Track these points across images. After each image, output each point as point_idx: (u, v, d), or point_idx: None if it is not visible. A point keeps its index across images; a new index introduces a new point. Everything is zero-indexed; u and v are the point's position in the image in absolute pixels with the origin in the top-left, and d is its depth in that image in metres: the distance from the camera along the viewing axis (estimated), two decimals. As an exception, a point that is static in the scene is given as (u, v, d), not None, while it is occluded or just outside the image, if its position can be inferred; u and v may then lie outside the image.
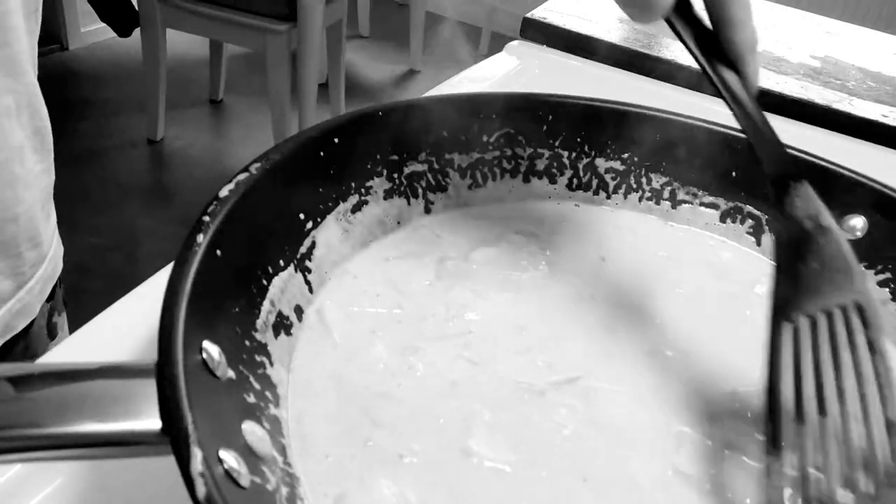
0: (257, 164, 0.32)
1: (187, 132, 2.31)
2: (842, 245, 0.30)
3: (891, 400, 0.28)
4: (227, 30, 1.96)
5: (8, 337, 0.48)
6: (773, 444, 0.27)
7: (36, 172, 0.47)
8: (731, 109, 0.33)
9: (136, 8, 2.03)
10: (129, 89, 2.43)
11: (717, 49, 0.33)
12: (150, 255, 1.81)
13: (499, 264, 0.38)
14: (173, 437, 0.21)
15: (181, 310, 0.24)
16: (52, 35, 2.58)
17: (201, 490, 0.19)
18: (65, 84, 2.41)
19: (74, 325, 0.41)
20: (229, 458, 0.22)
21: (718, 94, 0.34)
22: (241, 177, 0.31)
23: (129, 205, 1.99)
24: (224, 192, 0.30)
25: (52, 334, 0.55)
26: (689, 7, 0.33)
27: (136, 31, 2.08)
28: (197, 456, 0.20)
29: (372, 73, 2.88)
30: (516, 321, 0.35)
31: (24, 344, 0.51)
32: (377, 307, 0.35)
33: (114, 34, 2.20)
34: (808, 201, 0.31)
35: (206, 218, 0.28)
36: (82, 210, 1.89)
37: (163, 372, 0.22)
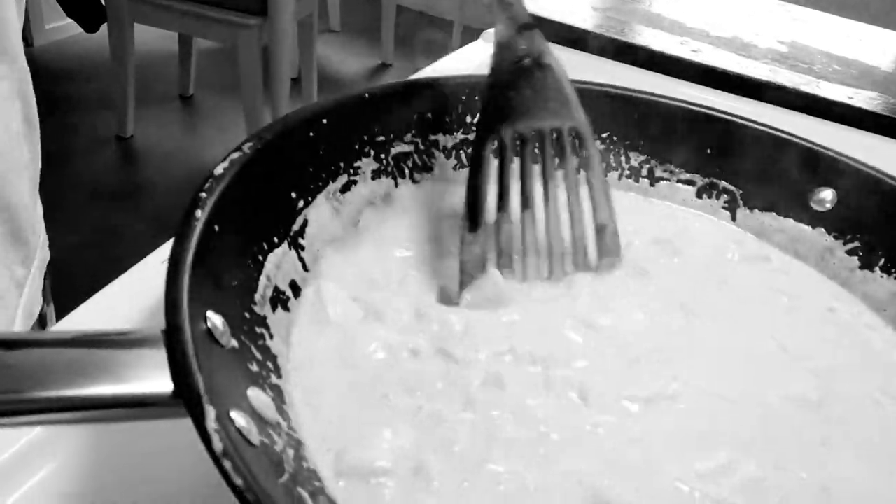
0: (249, 144, 0.33)
1: (157, 128, 2.29)
2: (561, 80, 0.36)
3: (600, 206, 0.36)
4: (196, 24, 1.94)
5: (31, 321, 0.49)
6: (471, 224, 0.35)
7: (26, 161, 0.47)
8: None
9: (103, 3, 2.00)
10: (96, 86, 2.40)
11: None
12: (124, 253, 1.78)
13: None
14: (186, 397, 0.21)
15: (184, 280, 0.25)
16: (15, 31, 2.52)
17: (218, 445, 0.20)
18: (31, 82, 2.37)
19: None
20: (239, 419, 0.23)
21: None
22: (235, 155, 0.32)
23: (101, 203, 1.97)
24: (219, 170, 0.31)
25: (43, 324, 0.55)
26: None
27: (103, 27, 2.05)
28: (210, 413, 0.21)
29: (344, 67, 2.88)
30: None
31: None
32: (370, 287, 0.35)
33: (79, 30, 2.17)
34: (535, 43, 0.36)
35: (203, 194, 0.29)
36: (51, 208, 1.86)
37: (172, 337, 0.23)
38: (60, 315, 0.58)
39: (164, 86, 2.45)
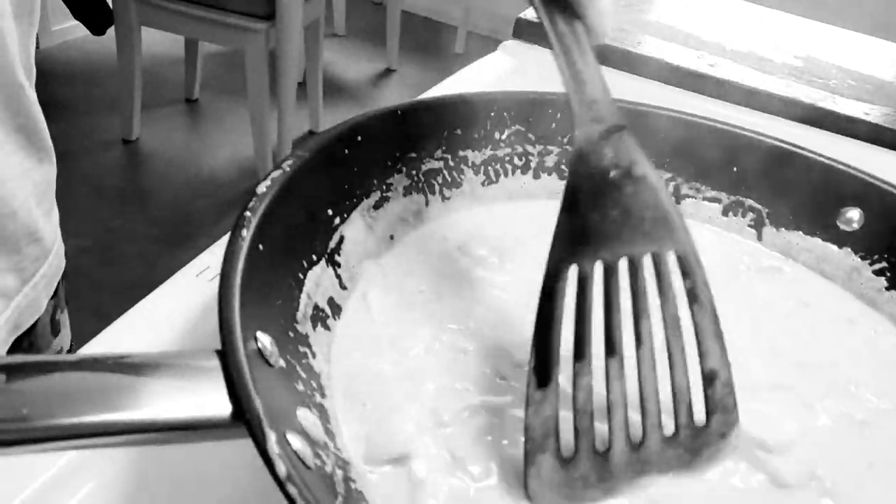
0: (289, 162, 0.33)
1: (163, 132, 2.29)
2: (658, 194, 0.29)
3: (710, 351, 0.28)
4: (204, 28, 1.95)
5: (18, 334, 0.48)
6: (539, 378, 0.27)
7: (25, 168, 0.47)
8: (556, 58, 0.30)
9: (111, 5, 2.00)
10: (102, 88, 2.40)
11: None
12: (128, 257, 1.79)
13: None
14: (247, 421, 0.21)
15: (236, 300, 0.25)
16: (21, 33, 2.52)
17: (282, 469, 0.20)
18: (37, 84, 2.37)
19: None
20: (295, 441, 0.23)
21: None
22: (276, 174, 0.32)
23: (105, 206, 1.97)
24: (261, 189, 0.31)
25: (56, 331, 0.55)
26: None
27: (110, 30, 2.05)
28: (272, 437, 0.21)
29: (349, 72, 2.88)
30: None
31: (29, 341, 0.51)
32: (409, 299, 0.36)
33: (86, 32, 2.17)
34: (622, 150, 0.29)
35: (248, 214, 0.29)
36: (61, 211, 1.86)
37: (228, 359, 0.23)
38: (72, 318, 0.59)
39: (170, 89, 2.46)
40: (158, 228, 1.91)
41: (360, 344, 0.33)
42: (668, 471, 0.28)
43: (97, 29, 2.06)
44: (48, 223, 0.51)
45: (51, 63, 2.51)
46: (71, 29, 2.56)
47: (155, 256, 1.77)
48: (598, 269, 0.27)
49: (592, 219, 0.28)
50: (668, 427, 0.28)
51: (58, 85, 2.41)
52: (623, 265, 0.28)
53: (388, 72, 2.92)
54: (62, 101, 2.33)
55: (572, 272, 0.27)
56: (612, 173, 0.28)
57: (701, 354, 0.28)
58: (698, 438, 0.29)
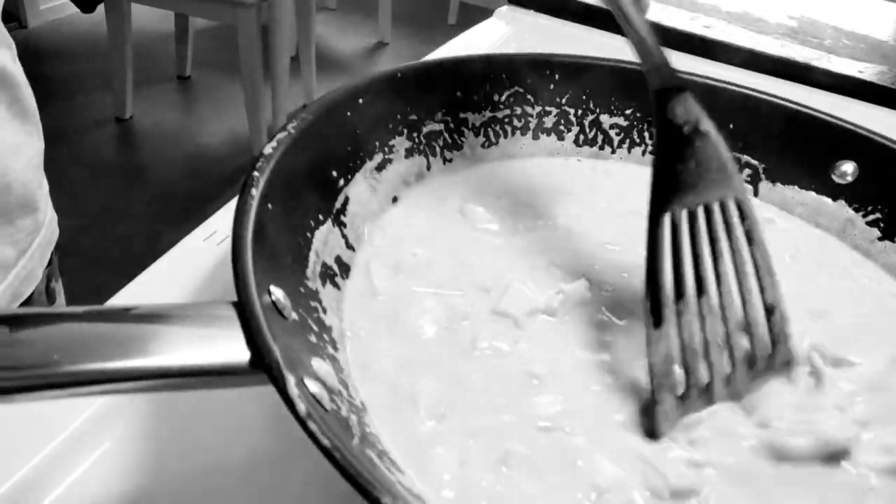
0: (293, 124, 0.34)
1: (156, 109, 2.27)
2: (719, 147, 0.33)
3: (768, 286, 0.32)
4: (195, 4, 1.93)
5: (18, 303, 0.49)
6: (655, 319, 0.31)
7: (17, 142, 0.48)
8: (624, 27, 0.35)
9: (100, -18, 1.98)
10: (93, 67, 2.38)
11: None
12: (127, 235, 1.79)
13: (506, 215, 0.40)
14: (266, 366, 0.22)
15: (248, 254, 0.26)
16: (9, 13, 2.50)
17: (301, 408, 0.21)
18: (26, 63, 2.34)
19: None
20: (312, 385, 0.24)
21: (612, 15, 0.35)
22: (281, 136, 0.33)
23: (100, 184, 1.96)
24: (268, 150, 0.32)
25: (52, 299, 0.56)
26: None
27: (99, 7, 2.03)
28: (291, 380, 0.22)
29: (341, 46, 2.86)
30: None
31: None
32: (411, 260, 0.36)
33: (75, 10, 2.15)
34: (689, 110, 0.33)
35: (256, 174, 0.30)
36: (53, 191, 1.86)
37: (245, 309, 0.24)
38: (67, 291, 0.59)
39: (161, 66, 2.44)
40: (156, 206, 1.91)
41: (366, 306, 0.33)
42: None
43: (86, 6, 2.04)
44: (40, 195, 0.52)
45: (40, 42, 2.48)
46: (60, 7, 2.54)
47: (154, 233, 1.77)
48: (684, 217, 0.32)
49: (677, 170, 0.32)
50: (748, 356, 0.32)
51: (48, 64, 2.39)
52: (701, 212, 0.32)
53: (380, 45, 2.90)
54: (53, 79, 2.31)
55: (666, 220, 0.32)
56: (685, 129, 0.33)
57: (761, 289, 0.32)
58: (770, 367, 0.32)
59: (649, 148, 0.47)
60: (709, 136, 0.33)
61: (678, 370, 0.30)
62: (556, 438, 0.28)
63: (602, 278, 0.36)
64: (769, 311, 0.32)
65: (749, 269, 0.32)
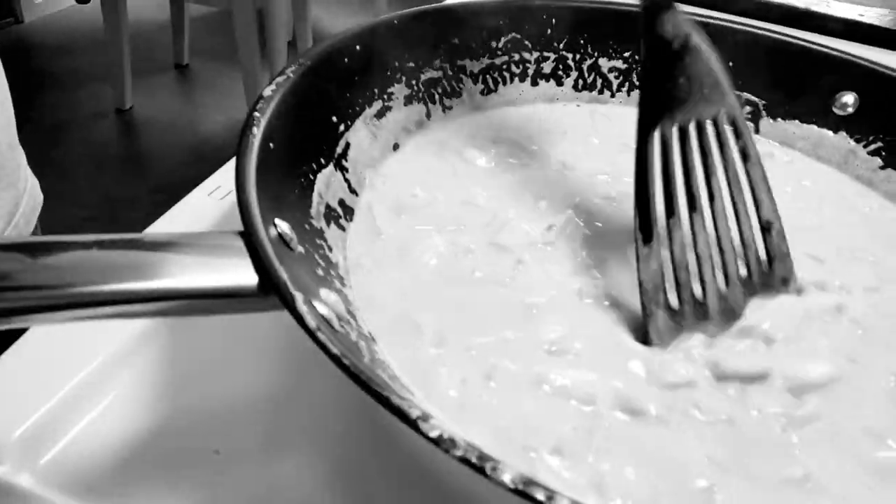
0: (291, 68, 0.34)
1: (155, 99, 2.27)
2: (711, 62, 0.33)
3: (764, 203, 0.32)
4: (189, -11, 1.92)
5: None
6: (644, 235, 0.30)
7: None
8: None
9: (93, -28, 1.97)
10: (90, 59, 2.38)
11: None
12: (128, 224, 1.80)
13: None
14: (274, 286, 0.23)
15: (252, 186, 0.26)
16: (4, 9, 2.50)
17: (311, 322, 0.21)
18: (23, 58, 2.35)
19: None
20: (320, 307, 0.24)
21: None
22: (280, 79, 0.33)
23: (103, 175, 1.97)
24: (267, 92, 0.32)
25: None
26: None
27: (95, -2, 2.03)
28: (299, 297, 0.22)
29: (338, 28, 2.83)
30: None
31: None
32: (412, 202, 0.37)
33: (70, 3, 2.14)
34: (678, 25, 0.32)
35: (257, 114, 0.30)
36: (55, 183, 1.86)
37: (252, 236, 0.24)
38: None
39: (159, 56, 2.43)
40: (160, 194, 1.91)
41: (370, 245, 0.34)
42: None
43: (81, -3, 2.04)
44: (17, 166, 0.52)
45: (36, 36, 2.48)
46: (53, 1, 2.53)
47: (155, 221, 1.78)
48: (675, 134, 0.31)
49: (666, 86, 0.32)
50: (742, 272, 0.32)
51: (46, 58, 2.39)
52: (692, 129, 0.32)
53: (377, 26, 2.88)
54: (52, 73, 2.31)
55: (656, 137, 0.31)
56: (675, 44, 0.32)
57: (757, 206, 0.32)
58: (767, 284, 0.32)
59: (649, 90, 0.47)
60: (700, 50, 0.32)
61: (670, 287, 0.30)
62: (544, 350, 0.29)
63: (592, 208, 0.37)
64: (765, 227, 0.32)
65: (744, 185, 0.32)
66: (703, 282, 0.31)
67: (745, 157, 0.32)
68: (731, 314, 0.31)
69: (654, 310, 0.30)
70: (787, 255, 0.32)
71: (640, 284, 0.30)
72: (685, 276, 0.30)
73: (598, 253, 0.34)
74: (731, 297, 0.31)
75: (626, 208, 0.34)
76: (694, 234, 0.31)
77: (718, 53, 0.45)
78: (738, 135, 0.32)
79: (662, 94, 0.32)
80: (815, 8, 0.66)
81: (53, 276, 0.21)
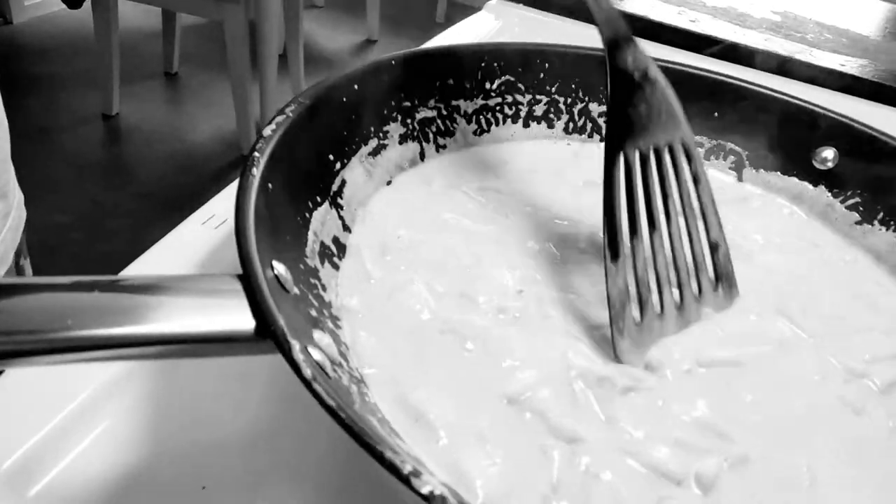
0: (291, 108, 0.34)
1: (143, 106, 2.27)
2: (667, 92, 0.36)
3: (713, 225, 0.36)
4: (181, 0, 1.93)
5: None
6: (612, 252, 0.33)
7: None
8: None
9: (86, -22, 1.97)
10: (79, 64, 2.37)
11: None
12: (113, 231, 1.79)
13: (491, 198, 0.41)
14: (272, 332, 0.23)
15: (251, 229, 0.27)
16: (-6, 9, 2.48)
17: (307, 371, 0.22)
18: (11, 60, 2.33)
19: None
20: (315, 353, 0.25)
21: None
22: (279, 118, 0.33)
23: (88, 182, 1.96)
24: (267, 132, 0.32)
25: (21, 276, 0.57)
26: None
27: (86, 3, 2.02)
28: (295, 345, 0.23)
29: (329, 44, 2.86)
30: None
31: None
32: (396, 243, 0.37)
33: (60, 6, 2.14)
34: (638, 58, 0.36)
35: (257, 154, 0.31)
36: (40, 188, 1.85)
37: (250, 279, 0.25)
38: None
39: (148, 63, 2.43)
40: (144, 203, 1.90)
41: (360, 287, 0.34)
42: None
43: (73, 2, 2.03)
44: (8, 180, 0.52)
45: (25, 38, 2.47)
46: (45, 3, 2.52)
47: (143, 230, 1.77)
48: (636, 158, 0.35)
49: (628, 114, 0.35)
50: (695, 290, 0.35)
51: (34, 61, 2.37)
52: (651, 154, 0.35)
53: (368, 42, 2.90)
54: (39, 77, 2.29)
55: (620, 161, 0.34)
56: (635, 75, 0.35)
57: (706, 227, 0.36)
58: (715, 301, 0.36)
59: (637, 136, 0.48)
60: (657, 82, 0.35)
61: (633, 301, 0.33)
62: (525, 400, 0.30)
63: (566, 250, 0.38)
64: (713, 247, 0.36)
65: (696, 207, 0.35)
66: (661, 297, 0.34)
67: (696, 180, 0.36)
68: (685, 325, 0.34)
69: (621, 323, 0.32)
70: (732, 277, 0.36)
71: (608, 299, 0.32)
72: (647, 292, 0.33)
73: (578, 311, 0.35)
74: (686, 311, 0.34)
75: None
76: (654, 252, 0.34)
77: (705, 103, 0.47)
78: (689, 160, 0.35)
79: (625, 120, 0.35)
80: (797, 56, 0.68)
81: (33, 319, 0.21)
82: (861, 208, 0.42)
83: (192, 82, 2.42)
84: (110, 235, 1.78)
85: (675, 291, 0.34)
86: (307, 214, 0.34)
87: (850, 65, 0.68)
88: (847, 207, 0.43)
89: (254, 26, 1.94)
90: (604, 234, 0.33)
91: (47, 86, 2.26)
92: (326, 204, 0.36)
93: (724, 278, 0.36)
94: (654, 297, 0.33)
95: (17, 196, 0.55)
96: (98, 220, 1.82)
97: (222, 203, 0.43)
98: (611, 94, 0.36)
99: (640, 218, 0.34)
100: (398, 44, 2.91)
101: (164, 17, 2.30)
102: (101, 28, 2.01)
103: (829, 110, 0.44)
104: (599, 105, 0.47)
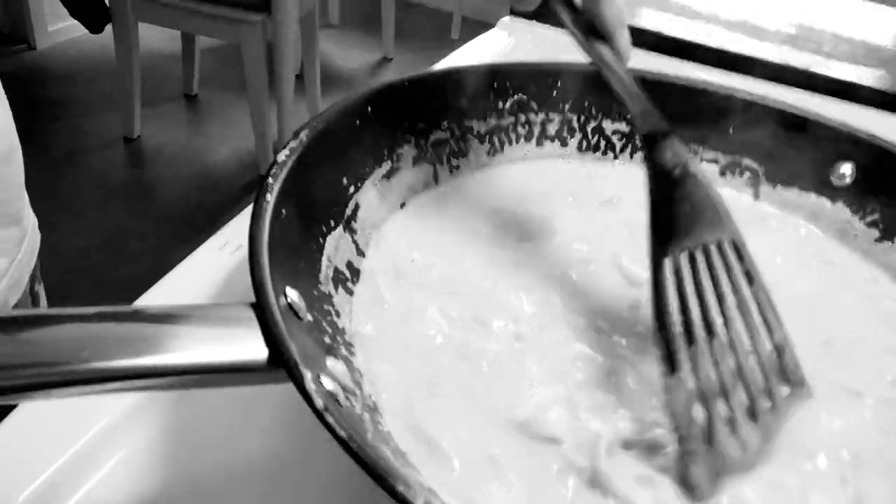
0: (305, 132, 0.35)
1: (164, 128, 2.30)
2: (709, 190, 0.33)
3: (774, 325, 0.31)
4: (200, 22, 1.96)
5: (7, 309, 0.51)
6: (670, 365, 0.29)
7: (5, 153, 0.49)
8: (606, 78, 0.36)
9: (107, 3, 2.01)
10: (101, 87, 2.41)
11: (591, 27, 0.36)
12: (134, 254, 1.81)
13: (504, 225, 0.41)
14: (284, 362, 0.23)
15: (265, 257, 0.27)
16: (18, 35, 2.54)
17: (319, 402, 0.22)
18: (35, 84, 2.38)
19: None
20: (327, 382, 0.25)
21: (596, 66, 0.36)
22: (293, 143, 0.34)
23: (110, 204, 1.99)
24: (281, 157, 0.33)
25: (36, 302, 0.57)
26: None
27: (107, 27, 2.06)
28: (308, 375, 0.23)
29: (346, 62, 2.88)
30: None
31: None
32: (410, 267, 0.37)
33: (83, 31, 2.18)
34: (677, 153, 0.34)
35: (270, 180, 0.31)
36: (63, 211, 1.88)
37: (264, 310, 0.25)
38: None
39: (169, 85, 2.47)
40: (165, 224, 1.93)
41: (374, 312, 0.34)
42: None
43: (94, 27, 2.07)
44: (23, 204, 0.53)
45: (48, 63, 2.52)
46: (68, 28, 2.57)
47: (164, 252, 1.79)
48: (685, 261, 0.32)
49: (672, 214, 0.33)
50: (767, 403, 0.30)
51: (56, 85, 2.42)
52: (699, 255, 0.32)
53: (384, 60, 2.92)
54: (61, 100, 2.34)
55: (667, 265, 0.32)
56: (676, 171, 0.34)
57: (769, 330, 0.31)
58: (790, 407, 0.30)
59: (651, 153, 0.48)
60: (697, 177, 0.34)
61: (700, 415, 0.28)
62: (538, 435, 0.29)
63: (585, 289, 0.37)
64: (778, 350, 0.31)
65: (753, 308, 0.31)
66: (730, 408, 0.29)
67: (749, 279, 0.32)
68: (766, 438, 0.29)
69: (693, 446, 0.28)
70: (803, 379, 0.31)
71: (672, 416, 0.29)
72: (714, 407, 0.29)
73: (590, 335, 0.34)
74: (763, 426, 0.29)
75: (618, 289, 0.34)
76: (715, 360, 0.30)
77: (719, 119, 0.47)
78: (741, 258, 0.32)
79: (669, 220, 0.33)
80: (814, 68, 0.67)
81: (43, 352, 0.21)
82: (881, 224, 0.42)
83: (211, 103, 2.46)
84: (133, 257, 1.80)
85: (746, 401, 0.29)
86: (321, 239, 0.34)
87: (867, 76, 0.67)
88: (867, 224, 0.42)
89: (271, 48, 1.96)
90: (657, 345, 0.30)
91: (71, 109, 2.30)
92: (340, 228, 0.36)
93: (794, 384, 0.31)
94: (723, 408, 0.29)
95: (31, 221, 0.55)
96: (121, 243, 1.84)
97: (238, 227, 0.43)
98: (652, 192, 0.34)
99: (695, 324, 0.30)
100: (414, 60, 2.93)
101: (184, 40, 2.33)
102: (122, 52, 2.04)
103: (845, 124, 0.44)
104: (613, 122, 0.47)
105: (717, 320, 0.30)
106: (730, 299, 0.31)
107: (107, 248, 1.81)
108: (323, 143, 0.35)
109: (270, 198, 0.30)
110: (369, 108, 0.39)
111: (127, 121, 2.18)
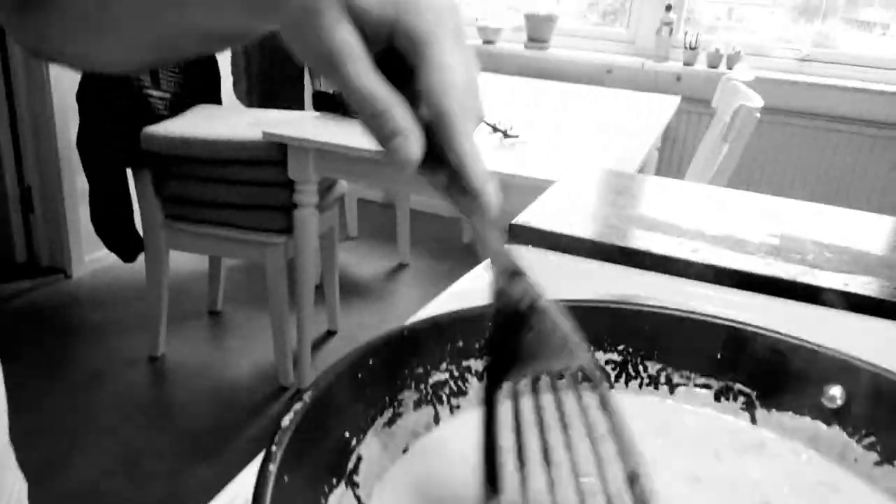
0: (308, 392, 0.37)
1: (187, 346, 2.37)
2: (556, 321, 0.36)
3: (627, 452, 0.32)
4: (228, 246, 2.09)
5: None
6: (491, 487, 0.31)
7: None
8: (473, 230, 0.39)
9: (141, 234, 2.16)
10: (130, 309, 2.52)
11: (462, 186, 0.38)
12: (155, 475, 1.78)
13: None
14: None
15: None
16: (56, 266, 2.70)
17: None
18: (68, 311, 2.49)
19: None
20: None
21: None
22: (297, 406, 0.36)
23: (131, 425, 2.00)
24: (285, 422, 0.35)
25: None
26: (436, 157, 0.38)
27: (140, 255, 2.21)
28: None
29: (364, 271, 3.01)
30: None
31: None
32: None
33: (115, 258, 2.33)
34: (527, 289, 0.37)
35: (274, 448, 0.33)
36: (88, 433, 1.89)
37: None
38: None
39: (193, 303, 2.58)
40: (184, 442, 1.92)
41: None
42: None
43: (128, 257, 2.22)
44: (7, 466, 0.54)
45: (81, 290, 2.65)
46: (101, 258, 2.74)
47: (182, 472, 1.77)
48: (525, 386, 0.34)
49: (513, 342, 0.36)
50: None
51: (88, 310, 2.53)
52: (544, 382, 0.34)
53: (401, 266, 3.05)
54: (91, 324, 2.44)
55: (505, 390, 0.34)
56: (522, 306, 0.36)
57: (621, 456, 0.32)
58: None
59: (645, 380, 0.49)
60: (546, 311, 0.36)
61: None
62: None
63: None
64: (631, 479, 0.32)
65: (605, 434, 0.32)
66: None
67: (604, 405, 0.33)
68: None
69: None
70: None
71: None
72: None
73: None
74: None
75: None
76: (551, 486, 0.31)
77: (707, 345, 0.49)
78: (593, 386, 0.34)
79: (510, 348, 0.36)
80: (800, 278, 0.71)
81: None
82: (878, 448, 0.42)
83: (234, 319, 2.54)
84: (152, 478, 1.77)
85: None
86: (323, 500, 0.35)
87: (853, 283, 0.70)
88: (864, 447, 0.42)
89: (293, 263, 2.08)
90: (482, 468, 0.32)
91: (98, 333, 2.39)
92: (342, 485, 0.37)
93: None
94: None
95: (18, 485, 0.55)
96: (139, 464, 1.83)
97: (245, 482, 0.44)
98: (494, 320, 0.37)
99: (527, 448, 0.32)
100: (429, 265, 3.06)
101: (211, 261, 2.48)
102: (153, 278, 2.16)
103: (830, 348, 0.45)
104: (605, 353, 0.50)
105: (558, 446, 0.32)
106: (575, 424, 0.33)
107: (128, 469, 1.79)
108: (326, 401, 0.38)
109: (273, 467, 0.32)
110: (371, 360, 0.42)
111: (152, 340, 2.26)
